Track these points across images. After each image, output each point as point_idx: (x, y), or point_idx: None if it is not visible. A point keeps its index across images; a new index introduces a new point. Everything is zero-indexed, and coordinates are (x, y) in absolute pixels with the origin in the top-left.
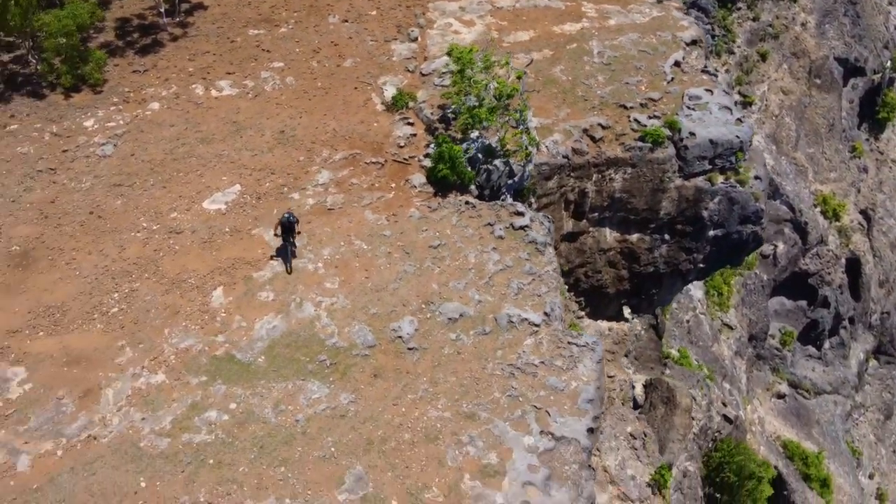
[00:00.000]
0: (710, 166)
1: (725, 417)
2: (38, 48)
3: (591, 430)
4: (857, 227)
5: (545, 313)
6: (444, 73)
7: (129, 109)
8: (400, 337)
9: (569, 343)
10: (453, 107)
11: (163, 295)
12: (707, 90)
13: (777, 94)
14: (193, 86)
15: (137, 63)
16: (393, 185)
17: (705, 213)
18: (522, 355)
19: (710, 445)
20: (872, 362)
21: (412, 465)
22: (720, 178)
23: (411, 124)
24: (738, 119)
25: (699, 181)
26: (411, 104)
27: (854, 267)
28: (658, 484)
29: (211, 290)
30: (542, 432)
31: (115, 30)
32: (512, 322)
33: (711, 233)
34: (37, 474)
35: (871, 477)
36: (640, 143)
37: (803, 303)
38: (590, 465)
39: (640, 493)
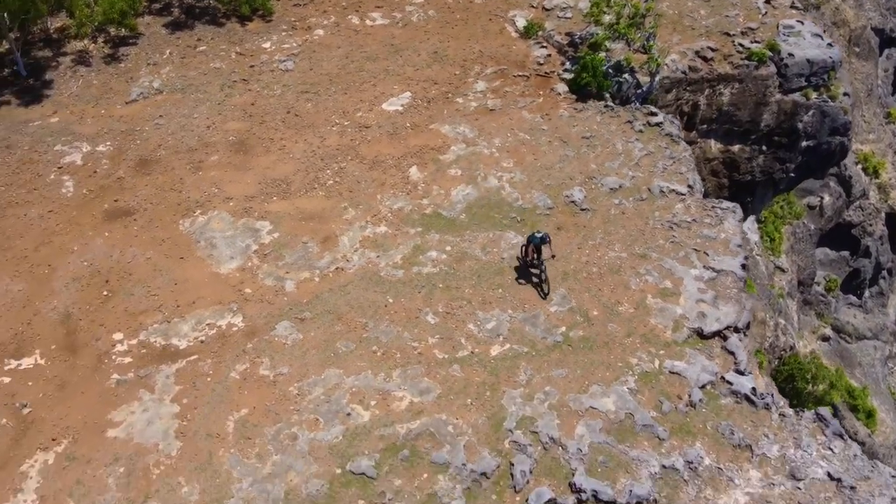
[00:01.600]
0: (806, 83)
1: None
2: None
3: (743, 266)
4: (895, 185)
5: (689, 186)
6: (564, 7)
7: (299, 35)
8: (573, 201)
9: (713, 207)
10: (580, 33)
11: (368, 171)
12: (798, 21)
13: None
14: (349, 17)
15: None
16: (540, 92)
17: (800, 125)
18: (676, 215)
19: (777, 362)
20: None
21: (603, 288)
22: (814, 94)
23: (545, 48)
24: (829, 44)
25: (796, 96)
26: (541, 32)
27: (892, 221)
28: None
29: (407, 168)
30: (704, 266)
31: None
32: (662, 192)
33: (804, 143)
34: (303, 293)
35: None
36: (746, 62)
37: (846, 253)
38: (744, 289)
39: None
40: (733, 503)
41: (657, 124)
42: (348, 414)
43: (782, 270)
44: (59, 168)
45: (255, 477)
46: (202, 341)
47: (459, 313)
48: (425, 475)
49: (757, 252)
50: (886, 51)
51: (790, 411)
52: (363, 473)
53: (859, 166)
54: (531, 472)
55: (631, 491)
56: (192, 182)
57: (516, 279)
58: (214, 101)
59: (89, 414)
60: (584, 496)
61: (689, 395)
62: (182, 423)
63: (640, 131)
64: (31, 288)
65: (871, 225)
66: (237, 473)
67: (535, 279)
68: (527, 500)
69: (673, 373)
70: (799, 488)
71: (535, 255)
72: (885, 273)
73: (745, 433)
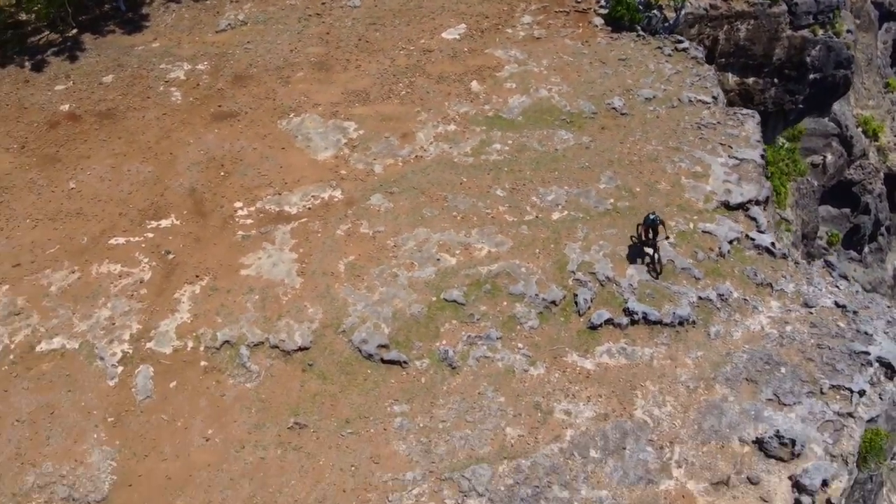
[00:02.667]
0: (813, 20)
1: None
2: None
3: (762, 156)
4: (893, 148)
5: (713, 97)
6: None
7: None
8: (614, 108)
9: (734, 113)
10: None
11: (435, 84)
12: None
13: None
14: None
15: None
16: (580, 24)
17: (808, 59)
18: (703, 119)
19: None
20: None
21: (643, 171)
22: (820, 31)
23: None
24: None
25: (804, 32)
26: None
27: (891, 181)
28: None
29: (469, 82)
30: (729, 156)
31: None
32: (691, 101)
33: (811, 76)
34: (390, 174)
35: None
36: (760, 1)
37: (847, 210)
38: (765, 175)
39: None
40: (757, 324)
41: (684, 49)
42: (438, 259)
43: (787, 221)
44: (166, 82)
45: (367, 302)
46: (309, 208)
47: (523, 189)
48: (505, 303)
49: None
50: (886, 24)
51: (803, 261)
52: (454, 300)
53: (859, 129)
54: (592, 301)
55: (674, 313)
56: (284, 92)
57: (627, 256)
58: (294, 30)
59: (223, 259)
60: (636, 317)
61: (719, 248)
62: (301, 266)
63: (670, 55)
64: (158, 170)
65: (870, 183)
66: (351, 300)
67: (647, 258)
68: (590, 320)
69: (705, 232)
70: (811, 313)
71: (651, 236)
72: (883, 230)
73: (766, 275)
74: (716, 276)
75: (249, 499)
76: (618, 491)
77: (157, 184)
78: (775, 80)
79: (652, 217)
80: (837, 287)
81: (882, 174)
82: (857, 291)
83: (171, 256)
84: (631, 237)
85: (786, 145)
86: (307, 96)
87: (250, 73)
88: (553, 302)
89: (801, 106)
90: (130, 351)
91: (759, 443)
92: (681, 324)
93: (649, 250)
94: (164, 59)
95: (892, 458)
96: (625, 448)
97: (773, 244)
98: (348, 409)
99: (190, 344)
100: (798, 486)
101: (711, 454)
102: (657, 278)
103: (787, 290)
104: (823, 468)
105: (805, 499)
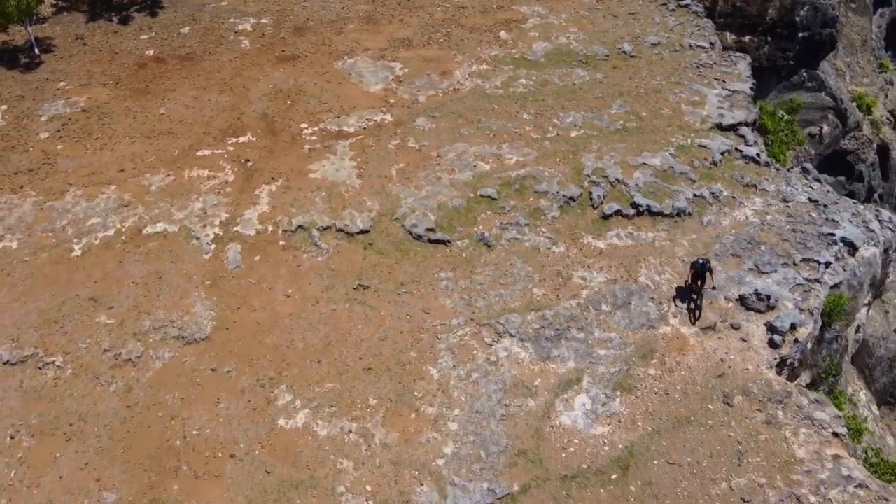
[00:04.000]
0: None
1: None
2: None
3: (752, 88)
4: (886, 122)
5: (710, 43)
6: None
7: None
8: (624, 52)
9: (729, 55)
10: None
11: (468, 34)
12: None
13: None
14: None
15: None
16: None
17: (797, 19)
18: (702, 60)
19: None
20: None
21: (649, 100)
22: None
23: None
24: None
25: None
26: None
27: (883, 152)
28: None
29: (497, 32)
30: (723, 88)
31: None
32: (691, 46)
33: (800, 34)
34: (431, 102)
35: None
36: None
37: (842, 178)
38: (752, 103)
39: None
40: (742, 215)
41: (685, 6)
42: (474, 166)
43: None
44: (236, 32)
45: (416, 197)
46: (364, 128)
47: (546, 113)
48: (531, 198)
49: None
50: (880, 10)
51: (783, 168)
52: (489, 196)
53: (854, 104)
54: (604, 197)
55: (673, 205)
56: (338, 40)
57: (673, 298)
58: None
59: (293, 166)
60: (641, 209)
61: (713, 158)
62: (359, 170)
63: (673, 10)
64: (234, 99)
65: (864, 153)
66: (403, 195)
67: (691, 304)
68: (602, 211)
69: (701, 146)
70: (788, 206)
71: (699, 282)
72: (876, 198)
73: (752, 178)
74: (709, 179)
75: (325, 338)
76: (624, 333)
77: (234, 110)
78: (768, 39)
79: (701, 262)
80: (811, 187)
81: (875, 145)
82: (828, 191)
83: (249, 164)
84: (685, 282)
85: (785, 117)
86: (358, 43)
87: (308, 26)
88: (571, 198)
89: (791, 62)
90: (221, 233)
91: (741, 299)
92: (678, 214)
93: (694, 296)
94: (232, 14)
95: (856, 332)
96: (630, 304)
97: (758, 154)
98: (403, 275)
99: (270, 228)
100: (771, 329)
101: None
102: (694, 324)
103: (769, 189)
104: (793, 316)
105: (776, 338)
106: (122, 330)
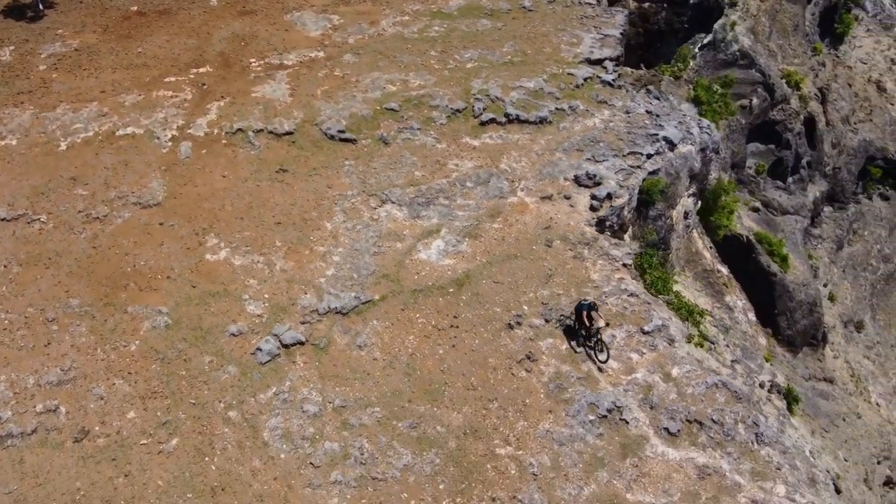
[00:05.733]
0: None
1: None
2: None
3: (622, 34)
4: (814, 97)
5: (597, 0)
6: None
7: None
8: (524, 6)
9: (610, 9)
10: None
11: None
12: None
13: (755, 1)
14: None
15: None
16: None
17: None
18: (587, 13)
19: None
20: (827, 208)
21: (536, 42)
22: None
23: None
24: None
25: None
26: None
27: (810, 124)
28: None
29: None
30: (598, 33)
31: None
32: (580, 2)
33: (692, 1)
34: (359, 44)
35: (825, 285)
36: None
37: (772, 146)
38: (620, 43)
39: None
40: (591, 123)
41: None
42: (384, 88)
43: (717, 152)
44: None
45: (333, 109)
46: (301, 62)
47: (450, 51)
48: (426, 110)
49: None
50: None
51: (633, 90)
52: (392, 108)
53: (784, 80)
54: (483, 109)
55: (537, 115)
56: None
57: (569, 341)
58: None
59: (240, 88)
60: (511, 117)
61: (576, 82)
62: (292, 91)
63: None
64: (199, 42)
65: (790, 124)
66: (323, 108)
67: (588, 345)
68: (480, 119)
69: (569, 74)
70: (629, 116)
71: (588, 322)
72: (804, 164)
73: (605, 97)
74: (571, 98)
75: (248, 204)
76: (480, 201)
77: (198, 49)
78: (665, 5)
79: (586, 302)
80: (650, 103)
81: (802, 117)
82: (664, 106)
83: (205, 87)
84: (573, 324)
85: (719, 91)
86: (307, 0)
87: None
88: (458, 110)
89: (686, 25)
90: (177, 134)
91: (576, 178)
92: (541, 122)
93: (587, 335)
94: None
95: (686, 219)
96: (489, 182)
97: (613, 80)
98: (315, 163)
99: (215, 130)
100: (593, 197)
101: (543, 185)
102: (601, 370)
103: (617, 105)
104: (611, 189)
105: (595, 203)
106: (93, 198)
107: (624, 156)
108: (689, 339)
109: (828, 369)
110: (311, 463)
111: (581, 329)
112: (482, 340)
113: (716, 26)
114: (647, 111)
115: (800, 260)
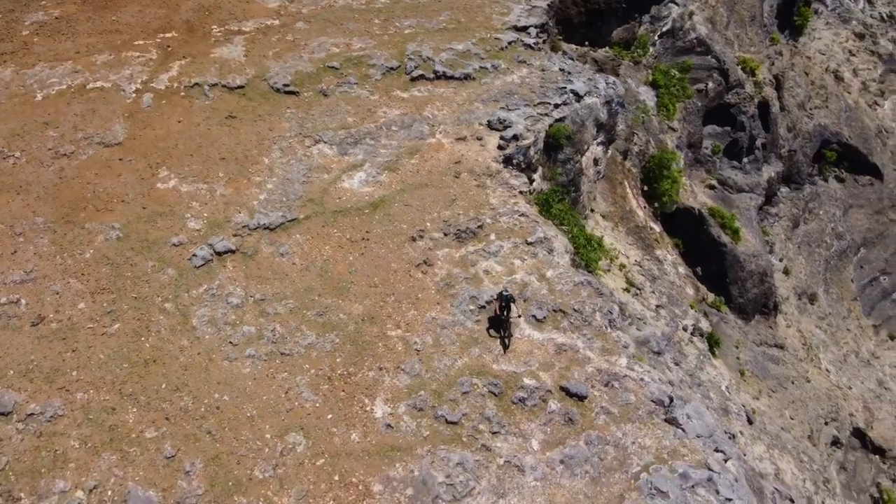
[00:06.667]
0: None
1: None
2: None
3: (549, 6)
4: (768, 83)
5: None
6: None
7: None
8: None
9: None
10: None
11: None
12: None
13: None
14: None
15: None
16: None
17: None
18: None
19: (645, 161)
20: (784, 188)
21: (470, 12)
22: None
23: None
24: None
25: None
26: None
27: (764, 108)
28: None
29: None
30: (527, 4)
31: None
32: None
33: None
34: (310, 13)
35: (780, 260)
36: None
37: (728, 128)
38: (546, 13)
39: None
40: (510, 79)
41: None
42: (328, 50)
43: (673, 130)
44: None
45: (281, 66)
46: (257, 29)
47: (392, 20)
48: (363, 68)
49: (653, 113)
50: None
51: (551, 52)
52: (333, 66)
53: (739, 67)
54: (416, 68)
55: (462, 72)
56: None
57: (487, 329)
58: None
59: (201, 50)
60: (439, 74)
61: (501, 45)
62: (246, 53)
63: None
64: (168, 12)
65: (745, 107)
66: (272, 67)
67: (502, 331)
68: (412, 75)
69: (496, 38)
70: (544, 73)
71: (506, 312)
72: (759, 146)
73: (525, 58)
74: (494, 58)
75: (198, 144)
76: (402, 142)
77: (166, 18)
78: None
79: (506, 294)
80: (565, 63)
81: (756, 101)
82: (577, 65)
83: (169, 49)
84: (494, 311)
85: (677, 75)
86: None
87: None
88: (392, 68)
89: (624, 6)
90: (141, 87)
91: (489, 123)
92: (465, 78)
93: (504, 324)
94: None
95: (596, 165)
96: (412, 126)
97: (535, 43)
98: (261, 111)
99: (175, 85)
100: (502, 138)
101: (460, 129)
102: (505, 351)
103: (535, 64)
104: (518, 131)
105: (502, 142)
106: (62, 139)
107: (534, 105)
108: (568, 252)
109: (779, 336)
110: (230, 342)
111: (500, 315)
112: (387, 250)
113: (674, 15)
114: (560, 69)
115: (752, 234)
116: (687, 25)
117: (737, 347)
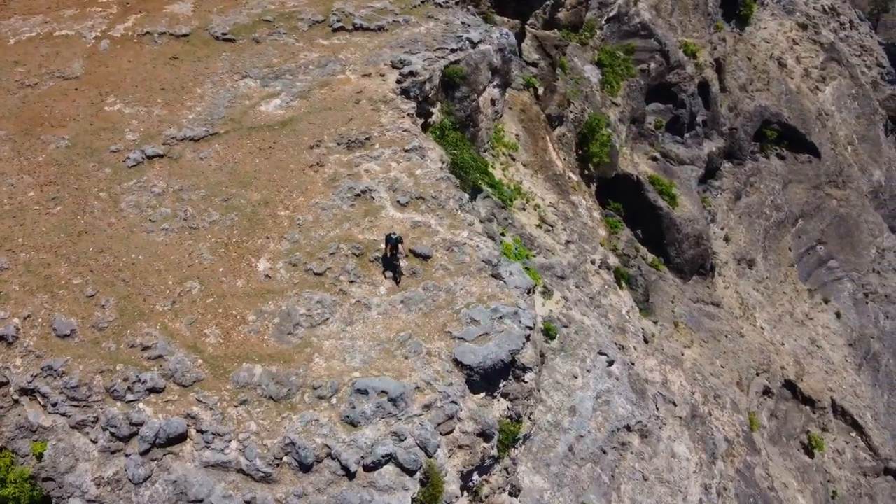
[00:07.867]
0: None
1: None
2: None
3: None
4: (709, 66)
5: None
6: None
7: None
8: None
9: None
10: None
11: None
12: None
13: None
14: None
15: None
16: None
17: None
18: None
19: (578, 130)
20: (727, 164)
21: None
22: None
23: None
24: None
25: None
26: None
27: (705, 88)
28: None
29: None
30: None
31: None
32: None
33: None
34: None
35: (721, 229)
36: None
37: (670, 105)
38: None
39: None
40: (417, 30)
41: None
42: (265, 7)
43: (616, 105)
44: None
45: (223, 20)
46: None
47: None
48: (293, 21)
49: (596, 88)
50: None
51: (454, 10)
52: (267, 19)
53: (680, 50)
54: (337, 21)
55: (377, 24)
56: None
57: (383, 272)
58: None
59: (155, 6)
60: (356, 26)
61: (414, 3)
62: (194, 9)
63: None
64: None
65: (685, 86)
66: (215, 20)
67: (391, 269)
68: (334, 27)
69: None
70: (447, 25)
71: (395, 251)
72: (700, 122)
73: (434, 14)
74: (407, 14)
75: (144, 78)
76: (315, 77)
77: None
78: None
79: (394, 237)
80: (467, 18)
81: (696, 81)
82: (478, 21)
83: (128, 4)
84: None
85: (622, 56)
86: None
87: None
88: (318, 21)
89: None
90: (100, 35)
91: (391, 63)
92: (378, 29)
93: (394, 263)
94: None
95: (493, 105)
96: (326, 66)
97: (445, 2)
98: (201, 55)
99: (129, 33)
100: (401, 73)
101: (367, 68)
102: (398, 285)
103: (441, 19)
104: (415, 68)
105: (400, 77)
106: (28, 74)
107: (434, 50)
108: (443, 162)
109: (716, 296)
110: (150, 220)
111: (388, 255)
112: (288, 155)
113: (620, 1)
114: (462, 22)
115: (691, 201)
116: (632, 11)
117: (672, 302)
